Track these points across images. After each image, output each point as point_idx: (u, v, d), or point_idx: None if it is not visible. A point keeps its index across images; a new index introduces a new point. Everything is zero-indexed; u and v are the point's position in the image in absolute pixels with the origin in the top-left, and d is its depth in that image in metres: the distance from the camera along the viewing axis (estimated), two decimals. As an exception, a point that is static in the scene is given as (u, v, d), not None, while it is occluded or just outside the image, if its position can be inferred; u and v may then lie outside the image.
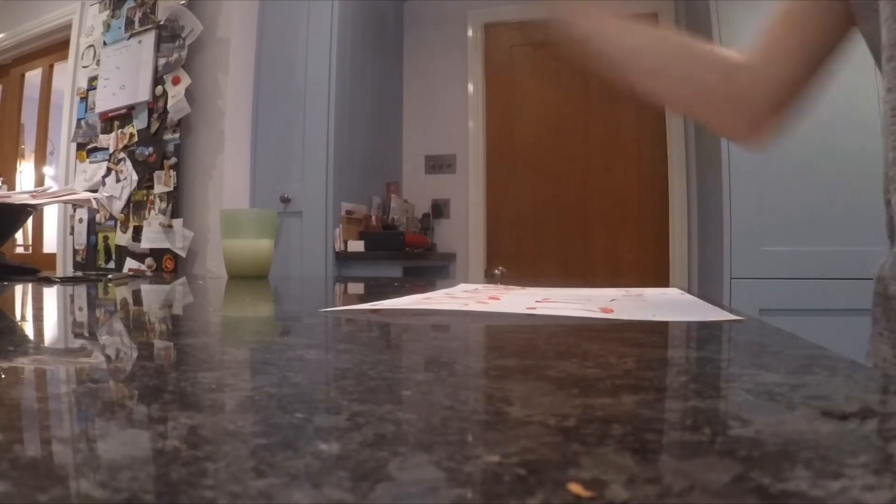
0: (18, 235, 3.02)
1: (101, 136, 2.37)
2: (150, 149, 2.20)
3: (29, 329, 0.41)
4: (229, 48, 2.20)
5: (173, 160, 2.17)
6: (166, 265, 2.16)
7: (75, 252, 2.42)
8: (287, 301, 0.72)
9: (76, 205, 2.24)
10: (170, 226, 2.15)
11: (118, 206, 2.26)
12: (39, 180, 3.40)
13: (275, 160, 2.30)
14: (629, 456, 0.13)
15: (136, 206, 2.24)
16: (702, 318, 0.39)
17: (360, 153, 2.49)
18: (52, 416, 0.17)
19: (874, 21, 0.49)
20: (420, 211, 2.99)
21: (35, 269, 1.02)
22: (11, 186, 3.29)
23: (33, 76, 3.28)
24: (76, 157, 2.46)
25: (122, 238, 2.27)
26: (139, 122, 2.24)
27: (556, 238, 2.89)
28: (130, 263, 2.24)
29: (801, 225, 1.86)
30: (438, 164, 3.04)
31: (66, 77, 2.63)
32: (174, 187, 2.16)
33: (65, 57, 2.71)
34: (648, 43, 0.62)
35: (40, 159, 3.38)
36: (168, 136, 2.18)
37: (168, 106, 2.16)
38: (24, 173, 3.50)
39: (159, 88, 2.19)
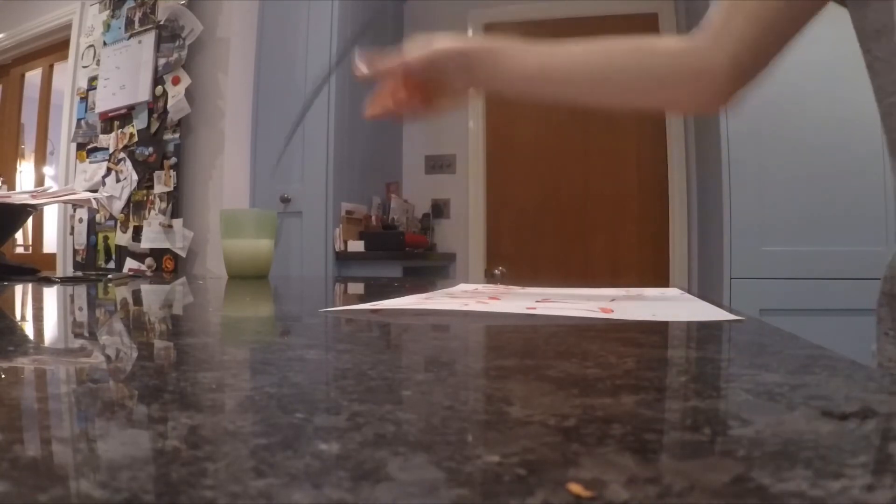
0: (18, 235, 3.02)
1: (101, 136, 2.37)
2: (150, 149, 2.20)
3: (29, 329, 0.41)
4: (229, 48, 2.20)
5: (173, 160, 2.17)
6: (166, 265, 2.16)
7: (75, 252, 2.42)
8: (287, 301, 0.72)
9: (76, 205, 2.23)
10: (170, 226, 2.15)
11: (118, 206, 2.26)
12: (39, 180, 3.40)
13: (275, 160, 2.30)
14: (629, 456, 0.13)
15: (136, 206, 2.24)
16: (702, 318, 0.39)
17: (360, 153, 2.49)
18: (52, 416, 0.17)
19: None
20: (420, 211, 2.99)
21: (35, 269, 1.02)
22: (11, 186, 3.28)
23: (33, 76, 3.28)
24: (76, 157, 2.46)
25: (122, 238, 2.27)
26: (139, 122, 2.24)
27: (556, 238, 2.89)
28: (130, 263, 2.24)
29: (801, 225, 1.86)
30: (438, 164, 3.04)
31: (66, 77, 2.63)
32: (174, 187, 2.16)
33: (65, 57, 2.71)
34: (581, 61, 0.60)
35: (40, 159, 3.38)
36: (168, 136, 2.18)
37: (168, 106, 2.16)
38: (24, 173, 3.50)
39: (159, 88, 2.19)
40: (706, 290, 2.31)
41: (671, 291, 0.65)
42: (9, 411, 0.17)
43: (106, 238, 2.33)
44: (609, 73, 0.59)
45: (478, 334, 0.38)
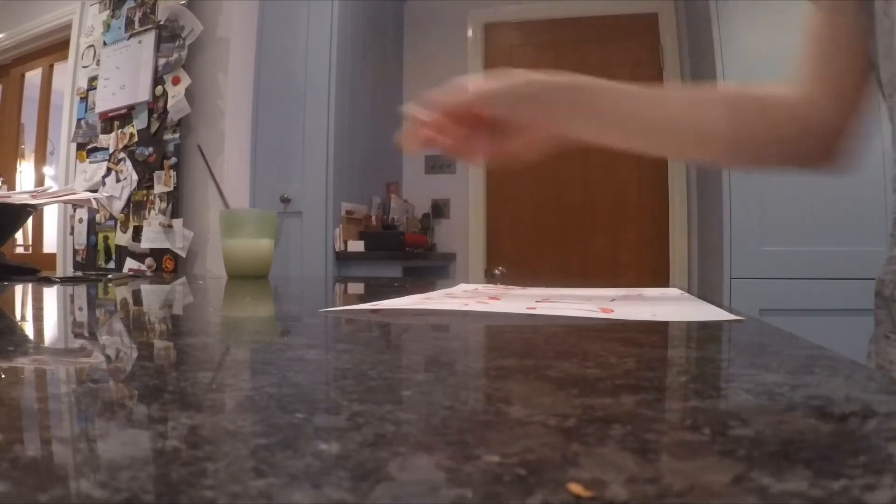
0: (18, 235, 3.02)
1: (101, 136, 2.37)
2: (150, 149, 2.20)
3: (29, 329, 0.41)
4: (229, 48, 2.20)
5: (173, 160, 2.17)
6: (166, 265, 2.16)
7: (75, 252, 2.42)
8: (287, 301, 0.72)
9: (76, 205, 2.23)
10: (170, 226, 2.15)
11: (118, 206, 2.26)
12: (39, 180, 3.40)
13: (275, 160, 2.30)
14: (629, 456, 0.13)
15: (136, 206, 2.24)
16: (702, 318, 0.39)
17: (360, 153, 2.49)
18: (52, 416, 0.17)
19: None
20: (420, 211, 2.99)
21: (35, 269, 1.02)
22: (11, 186, 3.29)
23: (33, 76, 3.28)
24: (76, 157, 2.46)
25: (122, 238, 2.27)
26: (139, 122, 2.24)
27: (556, 238, 2.89)
28: (130, 263, 2.24)
29: (801, 225, 1.86)
30: (438, 164, 3.04)
31: (66, 77, 2.63)
32: (174, 187, 2.16)
33: (65, 57, 2.71)
34: (680, 115, 0.53)
35: (40, 159, 3.38)
36: (168, 136, 2.18)
37: (168, 106, 2.16)
38: (24, 173, 3.50)
39: (159, 88, 2.19)
40: (706, 290, 2.31)
41: (671, 291, 0.65)
42: (9, 411, 0.17)
43: (106, 238, 2.33)
44: (713, 131, 0.52)
45: (478, 334, 0.38)
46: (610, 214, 2.85)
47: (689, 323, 0.38)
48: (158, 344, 0.33)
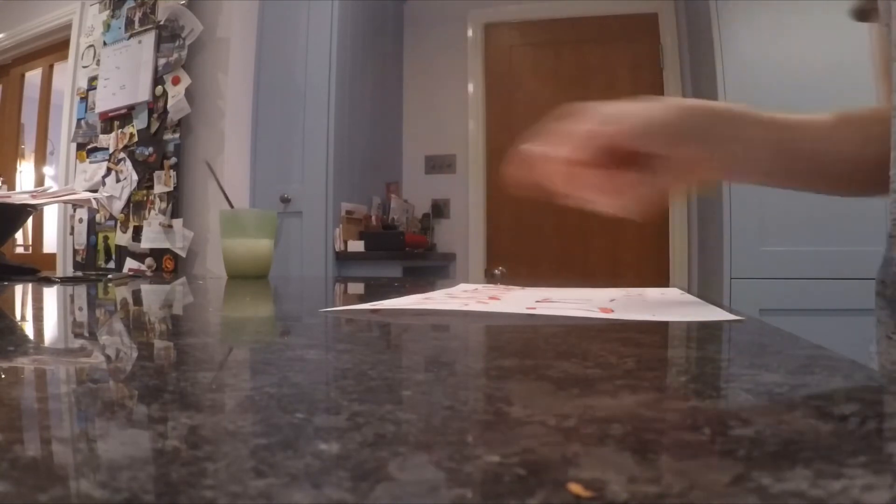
0: (18, 235, 3.02)
1: (101, 136, 2.37)
2: (150, 149, 2.20)
3: (29, 329, 0.41)
4: (229, 48, 2.20)
5: (173, 160, 2.17)
6: (166, 265, 2.16)
7: (75, 252, 2.42)
8: (287, 301, 0.72)
9: (76, 205, 2.24)
10: (170, 226, 2.15)
11: (118, 206, 2.26)
12: (39, 180, 3.40)
13: (275, 160, 2.30)
14: (629, 456, 0.13)
15: (136, 206, 2.24)
16: (702, 318, 0.39)
17: (360, 153, 2.49)
18: (52, 416, 0.17)
19: None
20: (420, 211, 2.99)
21: (35, 269, 1.02)
22: (11, 186, 3.29)
23: (33, 76, 3.28)
24: (76, 157, 2.46)
25: (122, 238, 2.27)
26: (139, 122, 2.24)
27: (556, 238, 2.89)
28: (130, 263, 2.24)
29: (801, 225, 1.86)
30: (438, 164, 3.04)
31: (66, 77, 2.64)
32: (174, 187, 2.16)
33: (65, 57, 2.71)
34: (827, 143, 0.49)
35: (40, 159, 3.38)
36: (168, 136, 2.18)
37: (168, 106, 2.16)
38: (24, 173, 3.50)
39: (159, 88, 2.19)
40: (706, 290, 2.31)
41: (671, 291, 0.65)
42: (9, 411, 0.17)
43: (106, 238, 2.33)
44: (858, 154, 0.47)
45: (478, 334, 0.38)
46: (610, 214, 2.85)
47: (689, 323, 0.38)
48: (158, 344, 0.33)
